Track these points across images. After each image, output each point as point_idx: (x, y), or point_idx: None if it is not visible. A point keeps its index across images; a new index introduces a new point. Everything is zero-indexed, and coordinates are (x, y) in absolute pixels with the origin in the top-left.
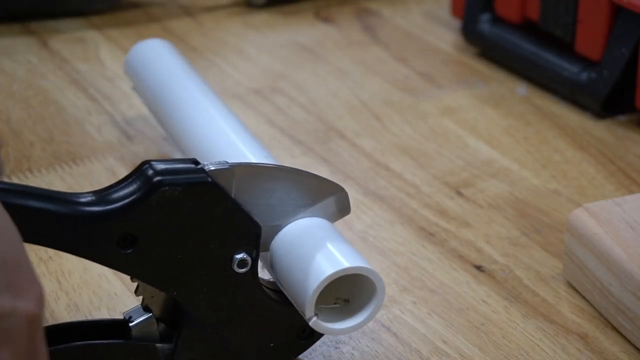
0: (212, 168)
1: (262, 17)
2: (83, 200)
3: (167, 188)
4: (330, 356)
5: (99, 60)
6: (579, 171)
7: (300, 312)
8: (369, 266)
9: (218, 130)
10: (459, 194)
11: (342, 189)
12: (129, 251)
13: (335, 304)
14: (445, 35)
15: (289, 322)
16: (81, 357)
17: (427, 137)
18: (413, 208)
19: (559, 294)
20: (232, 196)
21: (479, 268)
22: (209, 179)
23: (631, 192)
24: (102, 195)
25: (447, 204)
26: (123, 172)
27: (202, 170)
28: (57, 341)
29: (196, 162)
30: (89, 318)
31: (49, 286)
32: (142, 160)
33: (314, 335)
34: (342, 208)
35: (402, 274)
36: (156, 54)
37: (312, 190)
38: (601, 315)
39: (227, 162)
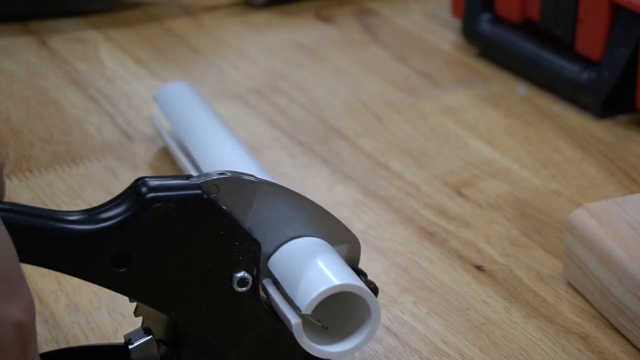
0: (202, 181)
1: (262, 17)
2: (74, 218)
3: (160, 205)
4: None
5: (99, 60)
6: (579, 171)
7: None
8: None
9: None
10: (459, 194)
11: (356, 239)
12: (123, 270)
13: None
14: (445, 35)
15: (293, 344)
16: None
17: (427, 137)
18: (413, 208)
19: (559, 294)
20: (250, 210)
21: (479, 268)
22: (204, 195)
23: (632, 192)
24: (94, 213)
25: (448, 204)
26: (123, 172)
27: (197, 185)
28: None
29: (189, 177)
30: (90, 343)
31: (48, 286)
32: (142, 159)
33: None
34: (352, 258)
35: (402, 274)
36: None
37: (328, 232)
38: (602, 315)
39: (218, 173)
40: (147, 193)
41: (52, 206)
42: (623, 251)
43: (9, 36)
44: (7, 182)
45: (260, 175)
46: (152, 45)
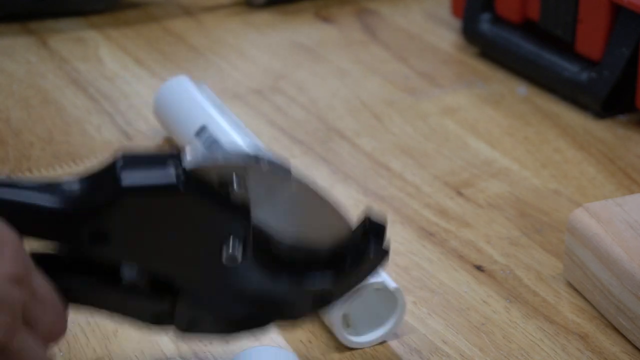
0: (187, 161)
1: (262, 17)
2: (51, 198)
3: (134, 195)
4: (329, 355)
5: (99, 60)
6: (579, 171)
7: None
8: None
9: None
10: (459, 194)
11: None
12: (101, 247)
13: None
14: (445, 35)
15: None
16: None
17: (427, 137)
18: (413, 208)
19: (559, 294)
20: (214, 185)
21: (479, 268)
22: (179, 186)
23: (632, 192)
24: (72, 193)
25: (448, 204)
26: None
27: (173, 167)
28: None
29: (174, 157)
30: None
31: None
32: None
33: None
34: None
35: (402, 274)
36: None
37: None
38: (601, 315)
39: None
40: (123, 181)
41: None
42: (623, 251)
43: (9, 36)
44: None
45: None
46: (152, 45)
